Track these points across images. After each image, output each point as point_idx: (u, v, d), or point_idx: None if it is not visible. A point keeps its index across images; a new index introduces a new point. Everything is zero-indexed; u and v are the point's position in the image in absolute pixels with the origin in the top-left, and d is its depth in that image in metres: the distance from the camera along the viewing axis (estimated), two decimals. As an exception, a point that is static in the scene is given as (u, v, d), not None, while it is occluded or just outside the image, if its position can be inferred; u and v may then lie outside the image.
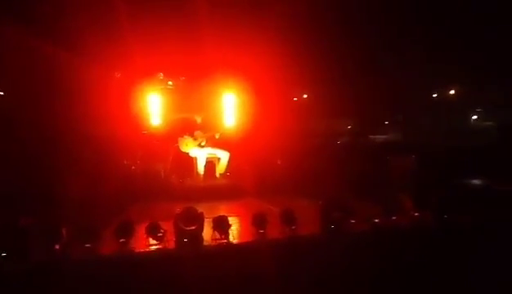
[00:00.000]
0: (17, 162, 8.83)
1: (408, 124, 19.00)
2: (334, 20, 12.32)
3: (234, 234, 6.18)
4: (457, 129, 16.89)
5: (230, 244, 5.99)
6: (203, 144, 10.88)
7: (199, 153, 10.89)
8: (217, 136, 11.00)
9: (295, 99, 18.73)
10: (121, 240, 5.68)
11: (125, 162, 11.06)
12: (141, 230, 5.92)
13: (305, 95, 19.38)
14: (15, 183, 8.00)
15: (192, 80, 11.82)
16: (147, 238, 5.87)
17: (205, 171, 10.95)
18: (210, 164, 11.08)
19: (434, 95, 20.24)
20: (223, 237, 6.02)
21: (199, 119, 11.34)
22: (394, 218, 6.55)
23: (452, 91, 19.83)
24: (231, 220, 6.34)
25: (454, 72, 15.96)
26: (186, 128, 10.98)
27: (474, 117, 21.04)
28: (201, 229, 6.03)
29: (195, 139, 10.84)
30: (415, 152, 10.07)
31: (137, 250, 5.76)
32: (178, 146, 10.88)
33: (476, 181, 8.78)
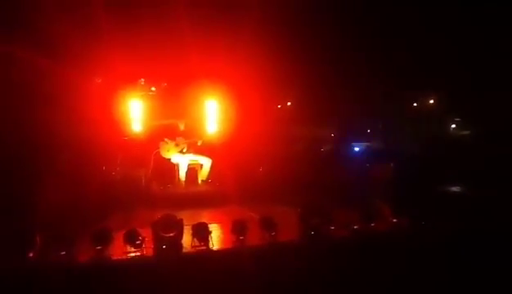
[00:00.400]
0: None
1: (389, 132, 19.29)
2: (317, 29, 12.47)
3: (214, 241, 6.13)
4: (436, 137, 17.21)
5: (209, 251, 5.96)
6: (184, 150, 10.83)
7: (181, 160, 10.84)
8: (199, 143, 10.98)
9: (279, 106, 18.82)
10: (98, 247, 5.58)
11: (104, 168, 10.88)
12: (119, 237, 5.82)
13: (289, 103, 19.48)
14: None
15: (175, 86, 11.77)
16: (125, 245, 5.78)
17: (187, 178, 10.89)
18: (192, 171, 11.03)
19: (415, 105, 20.63)
20: (203, 244, 5.99)
21: (182, 126, 11.27)
22: (373, 224, 6.63)
23: (431, 101, 20.26)
24: (212, 226, 6.32)
25: (433, 82, 16.33)
26: (168, 134, 10.92)
27: (453, 126, 21.50)
28: (180, 235, 5.99)
29: (177, 145, 10.79)
30: (394, 159, 10.24)
31: (115, 257, 5.66)
32: (159, 152, 10.80)
33: (453, 189, 8.98)
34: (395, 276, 5.98)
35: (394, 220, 6.83)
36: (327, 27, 12.20)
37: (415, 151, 13.30)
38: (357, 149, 17.39)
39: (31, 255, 5.22)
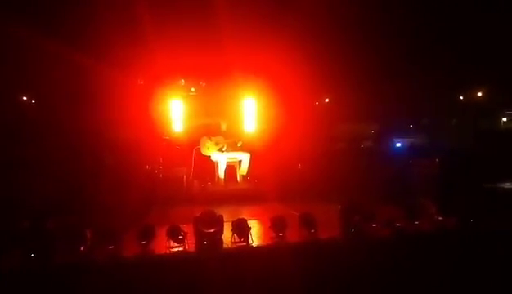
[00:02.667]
0: (44, 167, 9.16)
1: (433, 127, 18.53)
2: (356, 23, 12.22)
3: (253, 237, 6.18)
4: (485, 131, 16.31)
5: (249, 247, 6.02)
6: (224, 149, 10.98)
7: (220, 158, 11.00)
8: (239, 145, 11.08)
9: (317, 103, 18.64)
10: (143, 242, 5.81)
11: (147, 167, 11.27)
12: (162, 233, 6.02)
13: (327, 99, 19.26)
14: (41, 186, 8.30)
15: (213, 85, 11.96)
16: (168, 240, 5.96)
17: (226, 176, 11.04)
18: (231, 169, 11.17)
19: (461, 98, 19.67)
20: (242, 240, 6.06)
21: (224, 126, 11.41)
22: (417, 223, 6.40)
23: (480, 93, 19.20)
24: (251, 223, 6.37)
25: (481, 73, 15.49)
26: (209, 133, 11.12)
27: (504, 119, 20.30)
28: (221, 231, 6.08)
29: (217, 144, 10.96)
30: (439, 155, 9.81)
31: (158, 252, 5.86)
32: (199, 149, 11.02)
33: (503, 185, 8.49)
34: (440, 278, 5.74)
35: (440, 219, 6.54)
36: (370, 22, 11.91)
37: (462, 146, 12.70)
38: (398, 144, 16.88)
39: (82, 248, 5.53)
